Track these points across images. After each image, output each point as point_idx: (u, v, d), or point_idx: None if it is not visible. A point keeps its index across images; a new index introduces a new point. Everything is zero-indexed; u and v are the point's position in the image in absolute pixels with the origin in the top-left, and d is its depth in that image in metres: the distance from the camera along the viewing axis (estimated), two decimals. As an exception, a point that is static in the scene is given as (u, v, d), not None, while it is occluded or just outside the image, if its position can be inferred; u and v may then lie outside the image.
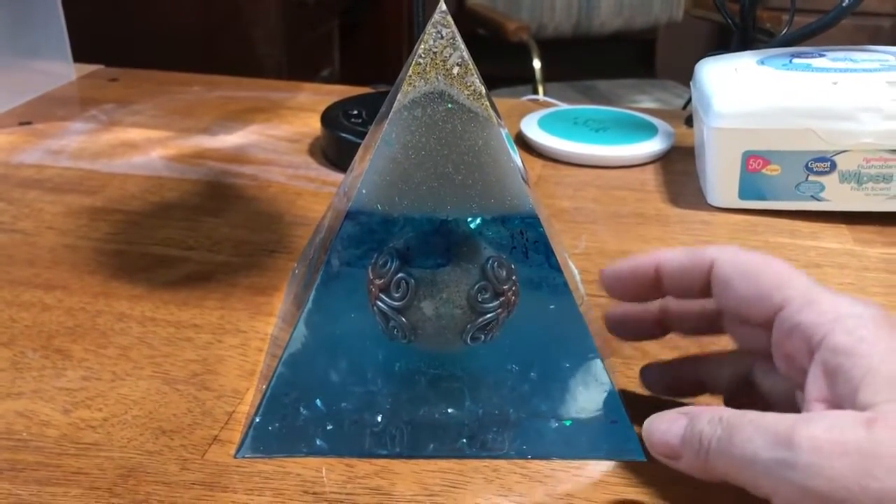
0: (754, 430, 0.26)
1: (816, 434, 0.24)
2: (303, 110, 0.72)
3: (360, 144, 0.39)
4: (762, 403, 0.33)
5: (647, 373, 0.36)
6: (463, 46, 0.33)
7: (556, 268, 0.34)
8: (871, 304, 0.29)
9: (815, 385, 0.27)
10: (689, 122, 0.69)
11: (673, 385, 0.36)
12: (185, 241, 0.49)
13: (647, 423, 0.31)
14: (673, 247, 0.33)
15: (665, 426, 0.30)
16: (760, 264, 0.31)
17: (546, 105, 0.75)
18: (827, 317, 0.28)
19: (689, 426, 0.29)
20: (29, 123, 0.68)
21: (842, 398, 0.26)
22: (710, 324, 0.34)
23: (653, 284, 0.33)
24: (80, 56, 0.80)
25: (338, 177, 0.59)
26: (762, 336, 0.31)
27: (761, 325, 0.30)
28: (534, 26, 1.86)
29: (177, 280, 0.45)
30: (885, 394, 0.25)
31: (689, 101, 0.66)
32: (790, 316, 0.29)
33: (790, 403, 0.31)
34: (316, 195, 0.56)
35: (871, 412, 0.25)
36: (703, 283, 0.32)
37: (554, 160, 0.62)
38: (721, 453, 0.27)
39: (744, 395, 0.34)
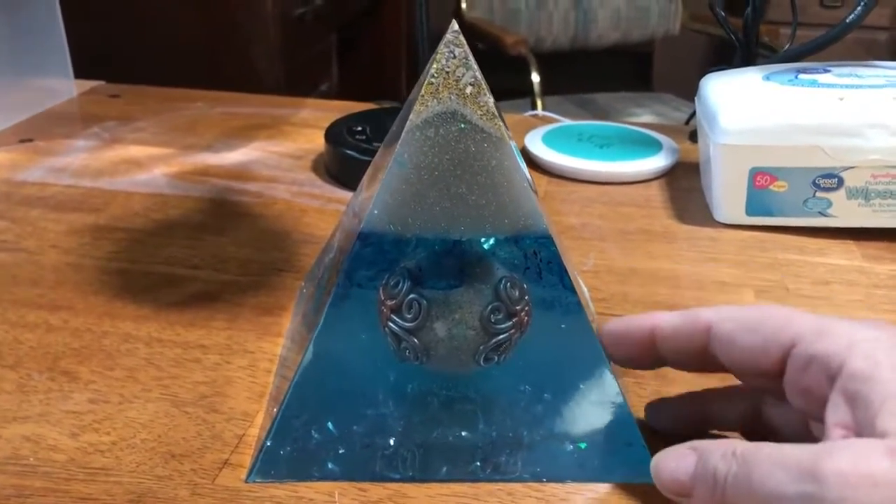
0: (774, 465, 0.25)
1: (842, 466, 0.24)
2: (306, 126, 0.72)
3: (364, 161, 0.39)
4: (774, 436, 0.32)
5: (652, 410, 0.36)
6: (475, 66, 0.32)
7: (569, 288, 0.33)
8: (886, 325, 0.28)
9: (835, 411, 0.27)
10: (693, 137, 0.69)
11: (680, 421, 0.35)
12: (190, 259, 0.49)
13: (654, 460, 0.30)
14: (670, 311, 0.33)
15: (674, 463, 0.29)
16: (759, 313, 0.30)
17: (548, 120, 0.75)
18: (842, 344, 0.27)
19: (701, 462, 0.28)
20: (30, 141, 0.67)
21: (861, 424, 0.26)
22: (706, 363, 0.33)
23: (648, 346, 0.33)
24: (79, 72, 0.80)
25: (343, 193, 0.59)
26: (768, 382, 0.30)
27: (770, 372, 0.30)
28: (532, 40, 1.86)
29: (183, 300, 0.44)
30: None
31: (693, 116, 0.66)
32: (804, 350, 0.28)
33: (804, 434, 0.30)
34: (321, 212, 0.56)
35: (891, 440, 0.24)
36: (699, 346, 0.31)
37: (559, 176, 0.62)
38: (739, 490, 0.26)
39: (755, 428, 0.33)
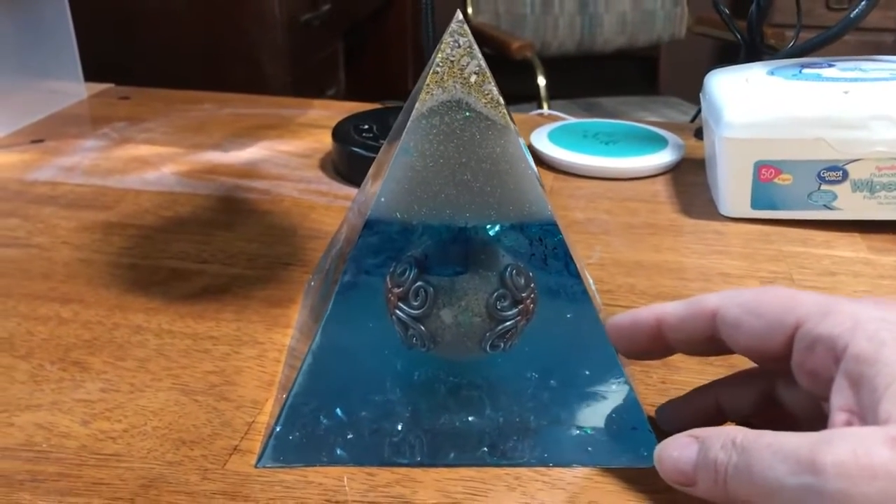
0: (773, 456, 0.25)
1: (841, 457, 0.23)
2: (313, 126, 0.73)
3: (371, 158, 0.39)
4: (789, 419, 0.32)
5: (663, 412, 0.35)
6: (480, 55, 0.33)
7: (575, 275, 0.34)
8: (893, 305, 0.28)
9: (839, 395, 0.27)
10: (698, 134, 0.69)
11: (693, 419, 0.34)
12: (199, 254, 0.49)
13: (657, 449, 0.30)
14: (676, 301, 0.32)
15: (676, 453, 0.29)
16: (762, 295, 0.30)
17: (553, 119, 0.75)
18: (846, 325, 0.27)
19: (702, 452, 0.28)
20: (41, 141, 0.68)
21: (865, 408, 0.26)
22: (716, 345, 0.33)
23: (655, 338, 0.33)
24: (88, 77, 0.81)
25: (349, 191, 0.59)
26: (777, 365, 0.30)
27: (778, 355, 0.29)
28: (538, 44, 1.87)
29: (192, 293, 0.45)
30: None
31: (698, 113, 0.67)
32: (808, 331, 0.28)
33: (817, 413, 0.30)
34: (328, 209, 0.56)
35: (893, 428, 0.24)
36: (706, 333, 0.31)
37: (565, 173, 0.63)
38: (740, 481, 0.26)
39: (769, 414, 0.33)
